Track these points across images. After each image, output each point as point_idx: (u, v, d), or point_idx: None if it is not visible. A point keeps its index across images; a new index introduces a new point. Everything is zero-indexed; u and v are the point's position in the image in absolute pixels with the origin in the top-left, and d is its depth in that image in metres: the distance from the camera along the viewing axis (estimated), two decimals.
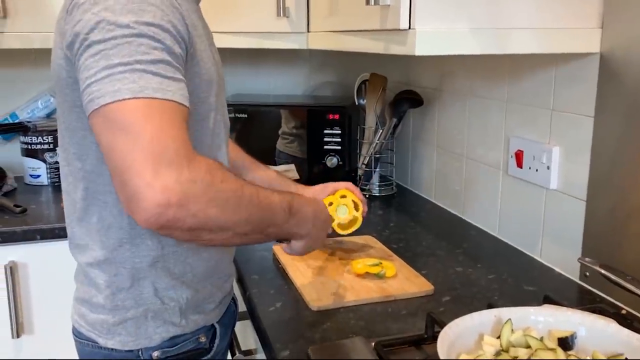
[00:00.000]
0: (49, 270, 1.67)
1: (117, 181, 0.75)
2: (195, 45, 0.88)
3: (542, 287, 1.20)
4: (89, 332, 0.99)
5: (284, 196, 0.91)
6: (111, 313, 0.97)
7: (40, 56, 2.13)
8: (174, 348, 1.00)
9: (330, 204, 1.32)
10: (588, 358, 0.79)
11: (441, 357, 0.72)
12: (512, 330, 0.81)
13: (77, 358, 1.04)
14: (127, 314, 0.97)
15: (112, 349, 0.98)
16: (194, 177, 0.74)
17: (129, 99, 0.74)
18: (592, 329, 0.81)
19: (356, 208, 1.34)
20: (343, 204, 1.32)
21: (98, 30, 0.78)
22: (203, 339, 1.03)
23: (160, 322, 0.98)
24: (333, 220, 1.29)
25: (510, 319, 0.81)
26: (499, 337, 0.80)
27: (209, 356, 1.05)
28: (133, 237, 0.95)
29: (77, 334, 1.03)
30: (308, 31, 1.70)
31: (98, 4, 0.79)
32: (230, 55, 2.30)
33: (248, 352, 1.26)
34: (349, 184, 1.35)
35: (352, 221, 1.34)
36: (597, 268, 0.98)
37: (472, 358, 0.77)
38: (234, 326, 1.17)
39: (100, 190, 0.93)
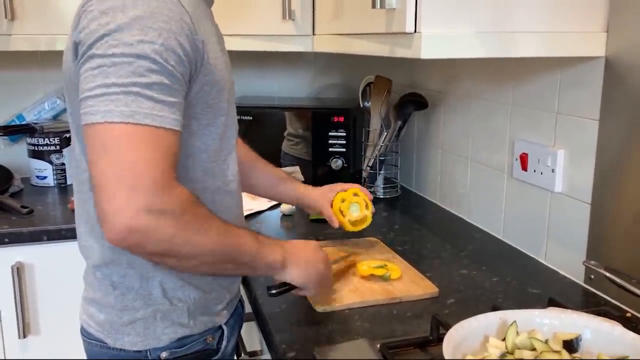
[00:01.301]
0: (56, 271, 1.68)
1: (95, 199, 0.78)
2: (207, 54, 0.89)
3: (547, 290, 1.20)
4: (97, 332, 1.00)
5: (248, 230, 0.94)
6: (120, 313, 0.98)
7: (47, 58, 2.15)
8: (182, 349, 1.00)
9: (343, 200, 1.33)
10: None
11: (447, 359, 0.72)
12: (517, 332, 0.81)
13: (86, 358, 1.05)
14: (136, 315, 0.97)
15: (120, 349, 0.98)
16: (165, 208, 0.78)
17: (117, 122, 0.76)
18: (597, 332, 0.81)
19: (366, 207, 1.35)
20: (355, 201, 1.33)
21: (101, 43, 0.79)
22: (211, 340, 1.04)
23: (168, 322, 0.99)
24: (344, 216, 1.33)
25: (515, 321, 0.82)
26: (504, 340, 0.81)
27: (216, 357, 1.05)
28: None
29: (85, 334, 1.03)
30: (313, 34, 1.70)
31: (107, 14, 0.80)
32: (235, 58, 2.29)
33: (253, 354, 1.26)
34: (358, 186, 1.35)
35: (363, 219, 1.35)
36: (602, 271, 0.99)
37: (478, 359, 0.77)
38: (240, 327, 1.17)
39: None
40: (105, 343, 0.99)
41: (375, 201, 1.85)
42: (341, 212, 1.33)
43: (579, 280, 1.25)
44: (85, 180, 0.95)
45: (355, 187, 1.35)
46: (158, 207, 0.77)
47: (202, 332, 1.03)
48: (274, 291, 1.01)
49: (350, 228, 1.34)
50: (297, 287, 1.03)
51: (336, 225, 1.32)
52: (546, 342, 0.80)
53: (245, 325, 1.21)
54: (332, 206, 1.33)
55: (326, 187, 1.37)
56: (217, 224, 0.87)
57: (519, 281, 1.25)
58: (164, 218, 0.78)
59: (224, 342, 1.07)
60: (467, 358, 0.77)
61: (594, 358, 0.79)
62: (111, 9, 0.80)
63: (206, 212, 0.86)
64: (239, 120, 1.98)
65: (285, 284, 1.02)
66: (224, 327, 1.07)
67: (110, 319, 0.98)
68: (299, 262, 1.00)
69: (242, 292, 1.24)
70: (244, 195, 1.80)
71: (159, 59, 0.79)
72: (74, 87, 0.89)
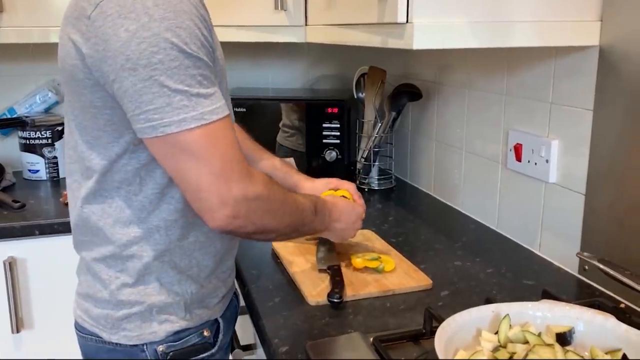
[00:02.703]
0: (48, 266, 1.67)
1: (192, 198, 0.87)
2: (215, 46, 0.91)
3: (541, 281, 1.20)
4: (92, 327, 0.99)
5: (310, 200, 1.07)
6: (116, 308, 0.97)
7: (38, 51, 2.12)
8: (178, 342, 1.00)
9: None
10: (586, 353, 0.79)
11: (438, 353, 0.72)
12: (510, 325, 0.80)
13: (80, 353, 1.05)
14: (132, 309, 0.97)
15: (116, 344, 0.98)
16: (256, 193, 0.88)
17: (194, 127, 0.82)
18: (590, 324, 0.81)
19: None
20: None
21: (140, 52, 0.79)
22: (207, 333, 1.04)
23: (165, 316, 0.98)
24: None
25: (508, 314, 0.81)
26: (496, 333, 0.80)
27: (213, 350, 1.05)
28: (140, 232, 0.95)
29: (80, 328, 1.03)
30: (306, 24, 1.69)
31: (129, 18, 0.79)
32: (229, 49, 2.27)
33: (247, 347, 1.26)
34: (352, 186, 1.34)
35: None
36: (596, 263, 0.98)
37: (470, 354, 0.77)
38: (235, 320, 1.17)
39: (107, 188, 0.94)
40: (101, 337, 0.99)
41: (370, 193, 1.86)
42: None
43: (573, 271, 1.25)
44: (79, 179, 0.95)
45: (345, 189, 1.32)
46: (251, 193, 0.87)
47: (199, 325, 1.02)
48: (336, 300, 1.09)
49: None
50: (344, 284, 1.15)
51: None
52: (539, 335, 0.80)
53: (239, 318, 1.21)
54: None
55: (322, 181, 1.36)
56: (289, 198, 0.99)
57: (513, 272, 1.25)
58: (257, 202, 0.89)
59: (221, 335, 1.06)
60: (459, 353, 0.76)
61: (586, 351, 0.79)
62: (133, 12, 0.79)
63: (280, 188, 0.97)
64: (234, 112, 1.98)
65: (339, 286, 1.12)
66: (220, 320, 1.06)
67: (106, 314, 0.98)
68: (336, 228, 1.16)
69: (236, 285, 1.24)
70: None
71: (199, 55, 0.83)
72: (82, 85, 0.88)
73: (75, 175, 0.98)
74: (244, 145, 1.31)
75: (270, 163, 1.34)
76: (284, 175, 1.35)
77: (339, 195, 1.31)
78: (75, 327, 1.04)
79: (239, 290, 1.24)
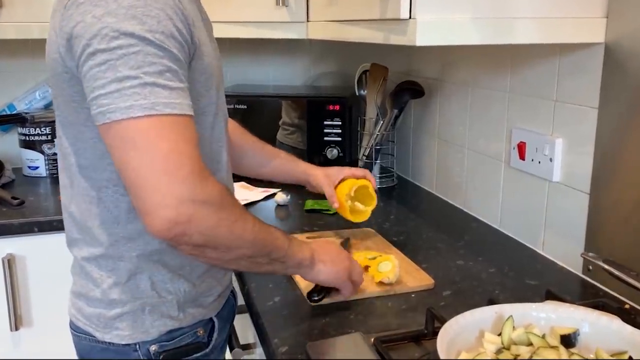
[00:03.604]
0: (47, 263, 1.66)
1: (133, 195, 0.78)
2: (197, 41, 0.87)
3: (544, 281, 1.18)
4: (85, 325, 0.98)
5: (279, 229, 0.95)
6: (108, 307, 0.96)
7: (38, 46, 2.11)
8: (171, 342, 0.99)
9: (352, 193, 1.32)
10: (591, 356, 0.78)
11: (440, 355, 0.71)
12: (514, 327, 0.79)
13: (75, 352, 1.03)
14: (124, 308, 0.96)
15: (109, 343, 0.97)
16: (206, 197, 0.78)
17: (141, 116, 0.75)
18: (596, 326, 0.80)
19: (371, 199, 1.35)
20: (385, 260, 1.19)
21: (101, 37, 0.77)
22: (201, 333, 1.02)
23: (157, 315, 0.97)
24: (349, 203, 1.32)
25: (511, 316, 0.80)
26: (500, 335, 0.79)
27: (207, 350, 1.04)
28: (130, 231, 0.93)
29: (74, 327, 1.02)
30: (307, 21, 1.67)
31: (99, 6, 0.78)
32: (230, 46, 2.28)
33: (247, 347, 1.25)
34: (367, 172, 1.35)
35: (364, 213, 1.36)
36: (601, 264, 0.97)
37: (473, 356, 0.75)
38: (232, 320, 1.16)
39: (94, 187, 0.92)
40: (94, 337, 0.98)
41: None
42: (348, 198, 1.32)
43: (577, 271, 1.23)
44: (71, 175, 0.93)
45: (366, 180, 1.33)
46: (200, 196, 0.77)
47: (192, 324, 1.01)
48: (315, 297, 1.04)
49: (348, 216, 1.34)
50: (332, 289, 1.05)
51: (336, 205, 1.31)
52: (543, 337, 0.78)
53: (238, 317, 1.20)
54: (336, 188, 1.32)
55: (334, 168, 1.36)
56: (251, 215, 0.87)
57: (516, 272, 1.24)
58: (207, 207, 0.78)
59: (215, 335, 1.05)
60: (462, 356, 0.75)
61: (591, 353, 0.78)
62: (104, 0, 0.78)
63: (238, 202, 0.87)
64: (234, 110, 1.98)
65: (323, 289, 1.04)
66: (215, 320, 1.05)
67: (99, 313, 0.97)
68: (326, 260, 1.01)
69: (234, 283, 1.22)
70: (239, 186, 1.78)
71: (164, 45, 0.78)
72: (61, 80, 0.86)
73: (64, 173, 0.97)
74: (244, 140, 1.30)
75: (277, 153, 1.34)
76: (291, 164, 1.35)
77: (360, 184, 1.32)
78: (70, 326, 1.03)
79: (236, 288, 1.23)
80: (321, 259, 1.00)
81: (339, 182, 1.33)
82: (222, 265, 0.93)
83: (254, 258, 0.88)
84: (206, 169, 0.80)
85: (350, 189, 1.31)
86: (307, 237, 1.36)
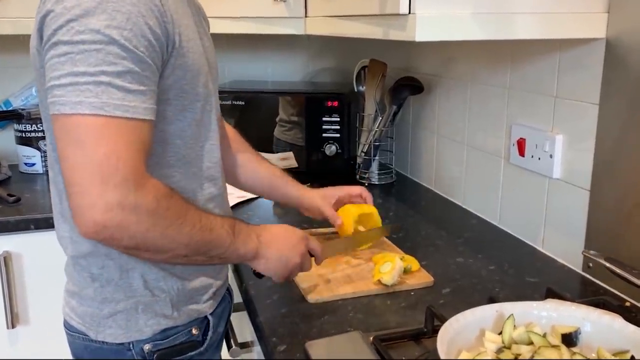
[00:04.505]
0: (44, 261, 1.64)
1: (67, 192, 0.78)
2: (180, 38, 0.86)
3: (544, 279, 1.17)
4: (79, 325, 0.98)
5: (227, 220, 0.93)
6: (101, 306, 0.95)
7: None
8: (165, 340, 0.98)
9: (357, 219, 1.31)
10: (593, 355, 0.77)
11: (440, 354, 0.70)
12: (515, 326, 0.78)
13: (69, 352, 1.02)
14: (117, 307, 0.95)
15: (103, 342, 0.96)
16: (138, 203, 0.77)
17: (88, 114, 0.75)
18: (597, 325, 0.79)
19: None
20: (389, 260, 1.17)
21: (67, 29, 0.76)
22: (196, 331, 1.01)
23: (151, 314, 0.96)
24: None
25: (512, 314, 0.79)
26: (500, 333, 0.78)
27: (201, 348, 1.03)
28: None
29: (68, 326, 1.01)
30: (306, 16, 1.66)
31: None
32: (227, 41, 2.26)
33: (245, 345, 1.24)
34: (363, 189, 1.34)
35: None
36: (602, 261, 0.96)
37: (473, 355, 0.75)
38: (228, 317, 1.15)
39: None
40: (87, 336, 0.97)
41: (370, 187, 1.82)
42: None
43: (577, 268, 1.23)
44: (58, 172, 0.92)
45: (370, 206, 1.32)
46: (131, 202, 0.76)
47: (187, 323, 1.00)
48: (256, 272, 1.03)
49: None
50: None
51: (339, 223, 1.29)
52: (544, 335, 0.77)
53: (236, 315, 1.19)
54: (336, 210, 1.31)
55: (329, 189, 1.34)
56: (192, 216, 0.85)
57: (516, 269, 1.23)
58: (137, 213, 0.77)
59: (210, 333, 1.04)
60: (462, 355, 0.74)
61: (593, 352, 0.77)
62: None
63: (180, 204, 0.85)
64: (232, 106, 1.97)
65: None
66: (210, 318, 1.04)
67: (91, 312, 0.96)
68: (270, 257, 0.98)
69: (232, 281, 1.22)
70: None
71: (129, 46, 0.77)
72: (39, 75, 0.86)
73: (52, 170, 0.96)
74: (240, 150, 1.25)
75: (271, 173, 1.29)
76: (284, 189, 1.31)
77: (364, 212, 1.31)
78: (64, 325, 1.02)
79: (234, 286, 1.22)
80: (264, 255, 0.97)
81: (336, 202, 1.32)
82: (157, 262, 0.93)
83: (190, 257, 0.88)
84: (146, 174, 0.79)
85: (355, 216, 1.29)
86: (322, 233, 1.37)
